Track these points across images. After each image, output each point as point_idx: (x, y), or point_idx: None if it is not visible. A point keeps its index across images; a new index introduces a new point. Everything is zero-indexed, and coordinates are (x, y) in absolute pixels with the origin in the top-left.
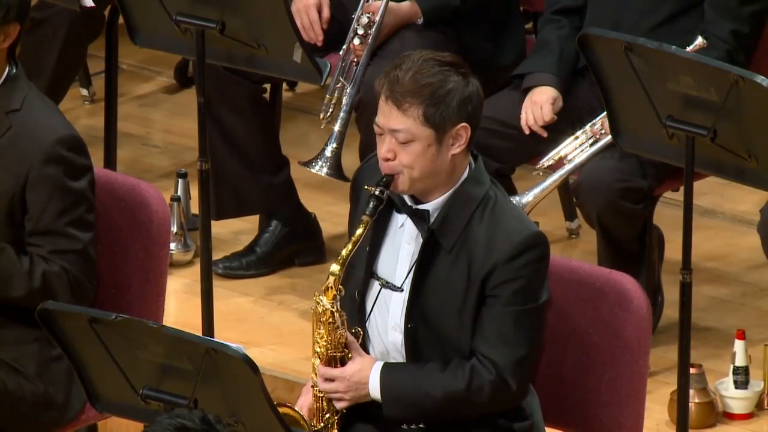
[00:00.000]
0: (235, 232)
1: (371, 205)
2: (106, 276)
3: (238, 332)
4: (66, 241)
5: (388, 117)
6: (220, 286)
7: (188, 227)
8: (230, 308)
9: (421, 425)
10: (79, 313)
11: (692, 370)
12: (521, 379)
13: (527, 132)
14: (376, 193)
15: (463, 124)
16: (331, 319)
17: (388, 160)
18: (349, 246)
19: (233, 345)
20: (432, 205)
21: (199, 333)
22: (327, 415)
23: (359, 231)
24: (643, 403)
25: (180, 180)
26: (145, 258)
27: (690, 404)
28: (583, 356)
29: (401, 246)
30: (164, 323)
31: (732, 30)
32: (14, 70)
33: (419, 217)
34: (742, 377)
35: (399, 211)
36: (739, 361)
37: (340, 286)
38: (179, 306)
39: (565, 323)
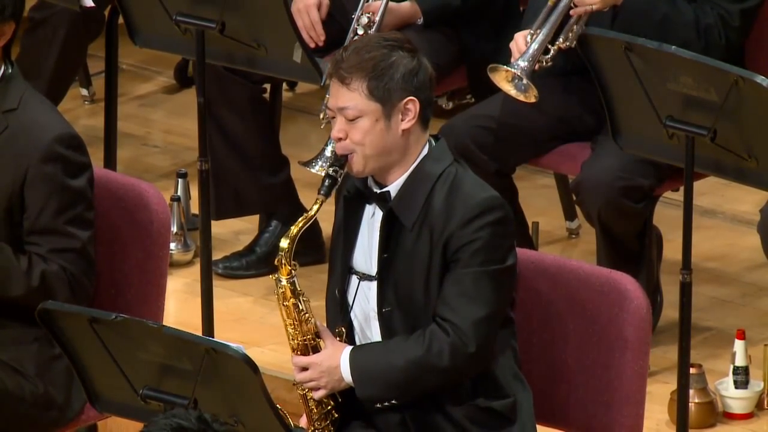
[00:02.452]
0: (235, 232)
1: (326, 183)
2: (106, 276)
3: (238, 332)
4: (65, 239)
5: (336, 96)
6: (220, 286)
7: (188, 227)
8: (230, 308)
9: (393, 402)
10: (79, 313)
11: (692, 370)
12: (480, 340)
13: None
14: (330, 172)
15: (410, 97)
16: (293, 300)
17: (340, 139)
18: (300, 223)
19: (233, 345)
20: (393, 186)
21: (199, 333)
22: (316, 419)
23: (314, 209)
24: (643, 403)
25: (180, 180)
26: (145, 258)
27: (690, 404)
28: (583, 356)
29: (374, 235)
30: (164, 323)
31: (720, 14)
32: (10, 70)
33: (383, 200)
34: (742, 377)
35: (369, 202)
36: (739, 361)
37: (293, 261)
38: (179, 306)
39: (564, 323)
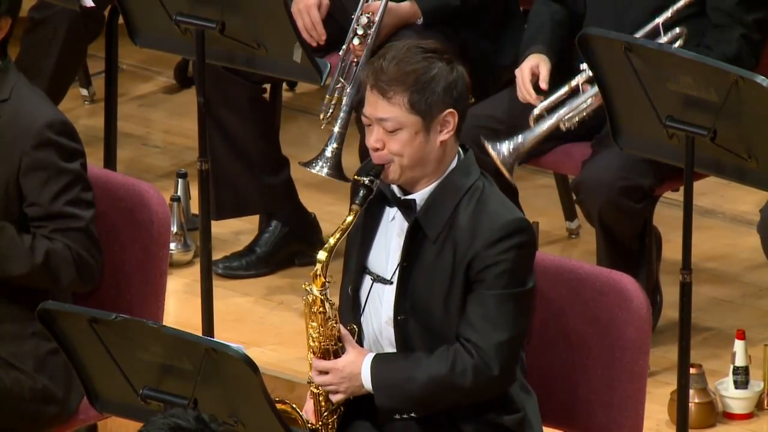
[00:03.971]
0: (235, 232)
1: (360, 194)
2: (106, 276)
3: (238, 332)
4: (67, 220)
5: (375, 106)
6: (220, 286)
7: (188, 227)
8: (230, 308)
9: (412, 415)
10: (79, 313)
11: (692, 370)
12: (504, 363)
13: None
14: (366, 182)
15: (450, 110)
16: (321, 309)
17: (377, 150)
18: (337, 234)
19: (233, 345)
20: (419, 195)
21: (199, 333)
22: (325, 414)
23: (348, 219)
24: (643, 403)
25: (180, 180)
26: (145, 258)
27: (690, 404)
28: (583, 356)
29: (392, 239)
30: (164, 323)
31: (742, 34)
32: (2, 63)
33: (407, 207)
34: (742, 377)
35: (390, 205)
36: (739, 361)
37: (329, 274)
38: (179, 306)
39: (564, 323)
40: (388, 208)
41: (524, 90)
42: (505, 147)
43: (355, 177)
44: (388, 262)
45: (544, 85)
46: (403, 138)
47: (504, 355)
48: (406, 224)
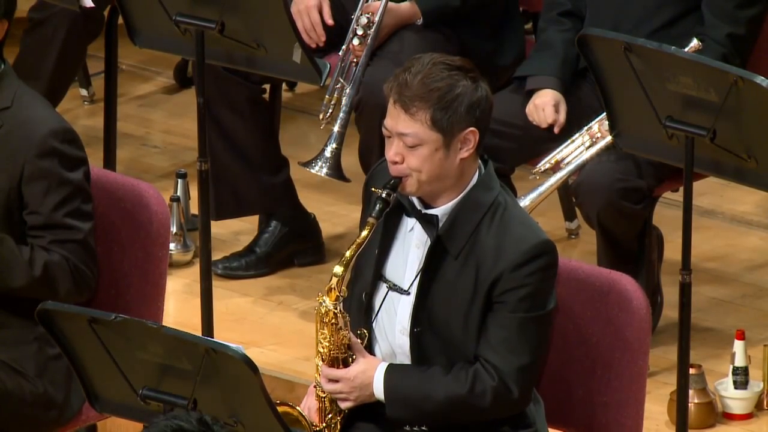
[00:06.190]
0: (235, 232)
1: (377, 207)
2: (106, 276)
3: (238, 332)
4: (66, 231)
5: (396, 120)
6: (219, 287)
7: (188, 227)
8: (230, 308)
9: (423, 428)
10: (78, 313)
11: (692, 371)
12: (524, 386)
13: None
14: (383, 195)
15: (472, 128)
16: (334, 320)
17: (395, 163)
18: (353, 248)
19: (233, 345)
20: (441, 210)
21: (199, 333)
22: (330, 415)
23: (364, 233)
24: (642, 403)
25: (179, 180)
26: (144, 258)
27: (690, 404)
28: (583, 356)
29: (410, 249)
30: (164, 323)
31: (728, 33)
32: (2, 67)
33: (428, 222)
34: (741, 377)
35: (409, 215)
36: (739, 361)
37: (343, 287)
38: (179, 306)
39: (564, 323)
40: (406, 218)
41: (544, 122)
42: None
43: (373, 189)
44: (405, 272)
45: (558, 131)
46: (422, 154)
47: (524, 379)
48: (425, 237)
